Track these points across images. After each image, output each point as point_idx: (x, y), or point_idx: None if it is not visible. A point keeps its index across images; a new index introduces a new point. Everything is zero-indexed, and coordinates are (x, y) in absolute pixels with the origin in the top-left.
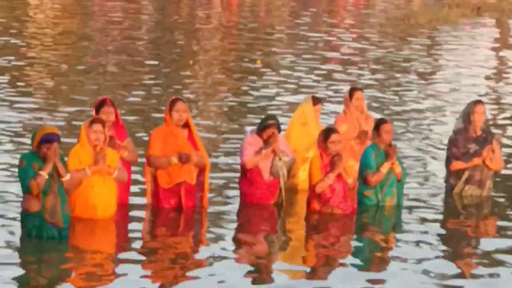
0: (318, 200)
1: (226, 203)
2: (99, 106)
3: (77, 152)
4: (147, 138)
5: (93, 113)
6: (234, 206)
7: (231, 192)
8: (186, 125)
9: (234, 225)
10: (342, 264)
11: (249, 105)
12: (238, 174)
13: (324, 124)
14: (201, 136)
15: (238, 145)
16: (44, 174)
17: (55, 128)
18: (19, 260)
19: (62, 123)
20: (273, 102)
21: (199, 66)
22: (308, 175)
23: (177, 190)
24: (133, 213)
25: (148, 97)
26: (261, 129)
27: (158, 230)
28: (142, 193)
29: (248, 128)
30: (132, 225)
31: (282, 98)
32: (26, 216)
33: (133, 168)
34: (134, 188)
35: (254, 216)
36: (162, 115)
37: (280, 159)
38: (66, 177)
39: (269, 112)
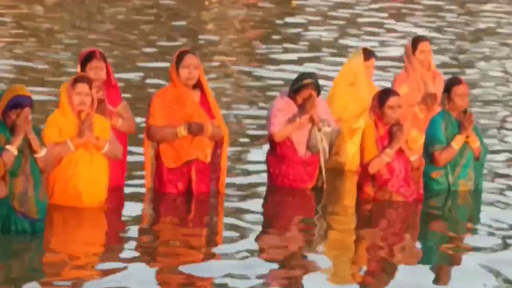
0: (371, 183)
1: (249, 187)
2: (85, 61)
3: (56, 120)
4: (144, 106)
5: (78, 69)
6: (260, 190)
7: (256, 173)
8: (198, 85)
9: (259, 216)
10: (403, 269)
11: (280, 55)
12: (265, 149)
13: (378, 86)
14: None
15: (265, 111)
16: (12, 149)
17: (25, 89)
18: None
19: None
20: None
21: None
22: (359, 151)
23: (186, 171)
24: (129, 200)
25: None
26: (295, 90)
27: (161, 222)
28: (140, 174)
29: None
30: (127, 216)
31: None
32: None
33: (130, 141)
34: (130, 167)
35: (286, 204)
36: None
37: (319, 129)
38: (41, 153)
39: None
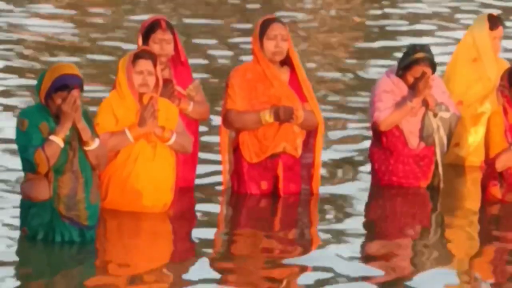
0: (499, 182)
1: (349, 186)
2: (148, 31)
3: (111, 104)
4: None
5: (139, 42)
6: (362, 190)
7: (357, 169)
8: (287, 61)
9: (361, 221)
10: None
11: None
12: (367, 140)
13: (508, 61)
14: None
15: (367, 93)
16: (58, 140)
17: (74, 68)
18: (15, 282)
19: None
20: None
21: None
22: (484, 142)
23: (272, 166)
24: (201, 203)
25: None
26: (404, 67)
27: (241, 231)
28: (215, 171)
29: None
30: (198, 224)
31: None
32: (28, 208)
33: (202, 129)
34: (202, 163)
35: (394, 207)
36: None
37: (435, 115)
38: (93, 145)
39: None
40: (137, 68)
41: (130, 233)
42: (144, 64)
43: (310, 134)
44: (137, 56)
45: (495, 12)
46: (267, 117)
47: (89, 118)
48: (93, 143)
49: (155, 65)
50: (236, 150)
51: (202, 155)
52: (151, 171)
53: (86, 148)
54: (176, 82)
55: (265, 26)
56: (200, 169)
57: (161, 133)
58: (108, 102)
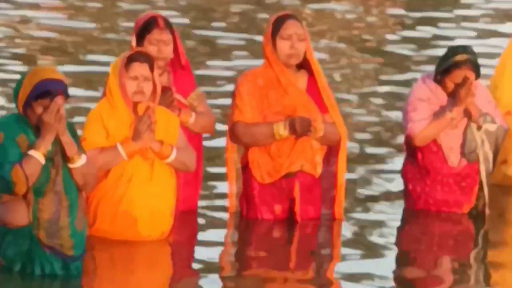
0: None
1: (378, 211)
2: (143, 31)
3: (100, 115)
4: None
5: (133, 42)
6: (393, 216)
7: (388, 190)
8: (305, 65)
9: (393, 252)
10: None
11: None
12: (400, 157)
13: None
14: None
15: (399, 103)
16: (38, 155)
17: (56, 71)
18: None
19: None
20: None
21: None
22: None
23: (287, 187)
24: (205, 230)
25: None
26: (443, 72)
27: (251, 263)
28: (221, 193)
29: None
30: (202, 254)
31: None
32: (3, 235)
33: (207, 144)
34: (207, 183)
35: (431, 236)
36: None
37: (479, 128)
38: (80, 162)
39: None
40: (131, 73)
41: (123, 265)
42: (139, 68)
43: (332, 150)
44: (131, 59)
45: None
46: (281, 130)
47: (74, 131)
48: (79, 159)
49: (152, 70)
50: (245, 168)
51: (205, 172)
52: (148, 194)
53: (71, 166)
54: (176, 90)
55: (278, 24)
56: (204, 189)
57: (159, 148)
58: (97, 112)
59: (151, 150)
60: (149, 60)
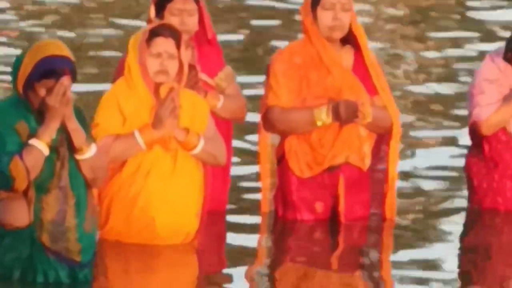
0: None
1: (437, 210)
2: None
3: (116, 97)
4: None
5: (150, 13)
6: (455, 216)
7: (448, 185)
8: (349, 40)
9: (451, 260)
10: None
11: None
12: (463, 147)
13: None
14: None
15: (462, 85)
16: (41, 145)
17: (66, 47)
18: None
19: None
20: None
21: None
22: None
23: (331, 182)
24: (235, 233)
25: None
26: None
27: (287, 267)
28: (254, 189)
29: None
30: (232, 261)
31: None
32: (1, 238)
33: (236, 133)
34: (236, 179)
35: (500, 240)
36: None
37: None
38: (89, 153)
39: None
40: (153, 49)
41: (139, 273)
42: (164, 44)
43: (382, 138)
44: (153, 33)
45: None
46: (324, 116)
47: (83, 117)
48: (89, 150)
49: (178, 46)
50: (281, 161)
51: (235, 166)
52: (169, 190)
53: (79, 157)
54: (201, 68)
55: None
56: (234, 185)
57: (184, 137)
58: (113, 94)
59: (174, 139)
60: (176, 35)
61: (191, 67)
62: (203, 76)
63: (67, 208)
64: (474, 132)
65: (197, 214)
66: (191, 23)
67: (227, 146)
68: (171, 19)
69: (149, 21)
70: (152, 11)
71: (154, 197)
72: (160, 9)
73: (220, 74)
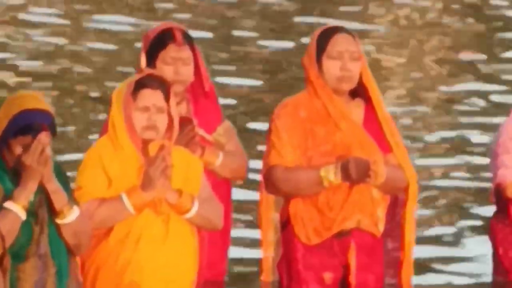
0: None
1: (459, 280)
2: (156, 46)
3: (100, 157)
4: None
5: (141, 62)
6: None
7: (471, 252)
8: (360, 92)
9: None
10: None
11: None
12: (486, 212)
13: None
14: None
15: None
16: (17, 209)
17: (44, 100)
18: None
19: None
20: None
21: None
22: None
23: (341, 250)
24: None
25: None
26: None
27: None
28: (254, 257)
29: None
30: None
31: None
32: None
33: (238, 195)
34: (236, 245)
35: None
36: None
37: None
38: (71, 216)
39: None
40: (140, 102)
41: None
42: (151, 97)
43: (397, 201)
44: (140, 85)
45: None
46: (332, 175)
47: (64, 176)
48: (71, 213)
49: (167, 98)
50: (286, 226)
51: (235, 231)
52: (161, 258)
53: (60, 221)
54: (198, 123)
55: (325, 40)
56: (235, 252)
57: (176, 200)
58: (97, 153)
59: (165, 202)
60: (164, 86)
61: (187, 120)
62: (200, 131)
63: (47, 278)
64: (500, 195)
65: (192, 284)
66: (186, 73)
67: (227, 208)
68: (164, 68)
69: (140, 71)
70: (143, 60)
71: (145, 266)
72: (152, 58)
73: (219, 129)
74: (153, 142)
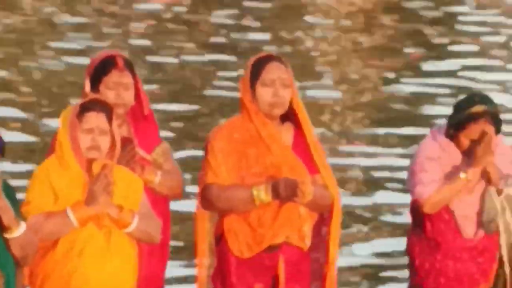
0: None
1: None
2: (99, 71)
3: (47, 175)
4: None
5: (86, 86)
6: None
7: (391, 265)
8: (290, 116)
9: None
10: None
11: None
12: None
13: None
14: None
15: (404, 163)
16: None
17: None
18: None
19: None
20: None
21: None
22: None
23: (270, 263)
24: None
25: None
26: (457, 125)
27: None
28: (191, 272)
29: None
30: None
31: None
32: None
33: (176, 209)
34: (175, 260)
35: None
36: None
37: (500, 192)
38: (18, 231)
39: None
40: (84, 124)
41: None
42: (95, 119)
43: (323, 217)
44: (84, 108)
45: None
46: (263, 194)
47: (12, 193)
48: (18, 228)
49: (110, 120)
50: (220, 240)
51: (174, 243)
52: (103, 269)
53: (8, 236)
54: (138, 143)
55: (258, 68)
56: (172, 263)
57: (117, 215)
58: (44, 171)
59: (107, 217)
60: (107, 110)
61: (128, 140)
62: (140, 151)
63: None
64: (416, 211)
65: None
66: (127, 97)
67: (165, 222)
68: (106, 92)
69: (84, 95)
70: (87, 85)
71: (89, 275)
72: (95, 83)
73: (157, 150)
74: (96, 161)
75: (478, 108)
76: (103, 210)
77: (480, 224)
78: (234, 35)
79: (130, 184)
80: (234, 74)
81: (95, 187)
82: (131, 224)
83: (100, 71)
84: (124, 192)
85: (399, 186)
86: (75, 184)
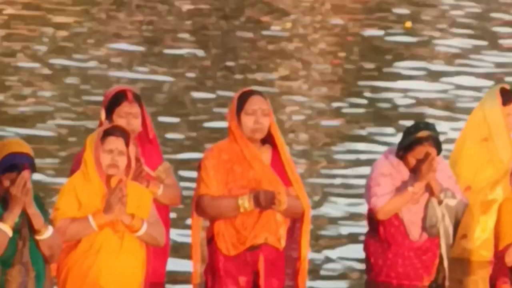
0: (510, 280)
1: (341, 283)
2: (112, 103)
3: (74, 187)
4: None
5: (101, 116)
6: (355, 287)
7: (350, 262)
8: (269, 140)
9: None
10: None
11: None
12: (362, 229)
13: None
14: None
15: (361, 179)
16: (5, 228)
17: (26, 145)
18: None
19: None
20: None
21: None
22: (494, 232)
23: (251, 260)
24: None
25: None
26: (405, 148)
27: None
28: (187, 266)
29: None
30: None
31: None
32: None
33: (175, 216)
34: (173, 256)
35: None
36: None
37: (440, 202)
38: (46, 234)
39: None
40: (106, 146)
41: None
42: (115, 142)
43: (295, 222)
44: (107, 133)
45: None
46: (246, 203)
47: (41, 203)
48: (46, 231)
49: (127, 144)
50: (211, 241)
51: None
52: (116, 265)
53: (38, 237)
54: (144, 162)
55: (243, 100)
56: (170, 262)
57: (129, 221)
58: (71, 184)
59: (121, 223)
60: (125, 135)
61: (136, 159)
62: (146, 168)
63: (28, 280)
64: (371, 218)
65: (141, 285)
66: (136, 124)
67: (166, 228)
68: (119, 120)
69: (100, 122)
70: (103, 114)
71: (103, 271)
72: (109, 113)
73: (160, 168)
74: (114, 176)
75: (423, 134)
76: (117, 218)
77: (424, 228)
78: None
79: (141, 196)
80: None
81: (112, 198)
82: (140, 229)
83: (113, 103)
84: (136, 203)
85: None
86: (96, 195)
